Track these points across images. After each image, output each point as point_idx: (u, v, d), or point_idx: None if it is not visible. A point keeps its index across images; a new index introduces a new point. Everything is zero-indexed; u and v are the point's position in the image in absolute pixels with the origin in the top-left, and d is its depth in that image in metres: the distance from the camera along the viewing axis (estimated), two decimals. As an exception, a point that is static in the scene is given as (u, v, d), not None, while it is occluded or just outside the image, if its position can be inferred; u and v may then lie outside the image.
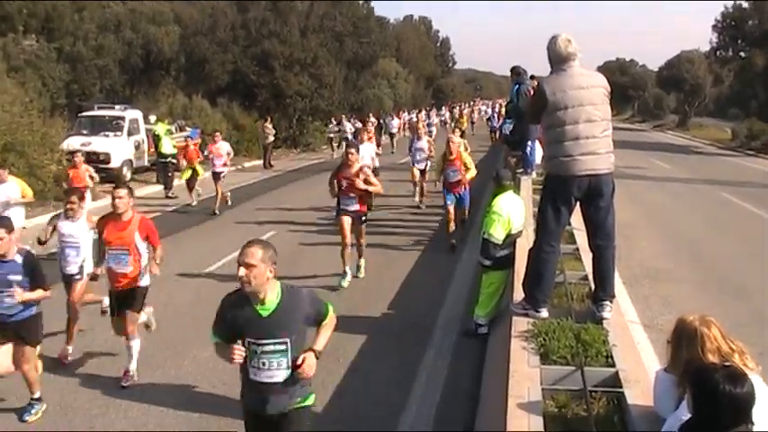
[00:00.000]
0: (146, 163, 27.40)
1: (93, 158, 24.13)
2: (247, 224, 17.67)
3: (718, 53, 58.63)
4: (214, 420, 7.31)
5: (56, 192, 20.43)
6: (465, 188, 14.92)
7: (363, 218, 12.28)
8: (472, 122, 60.26)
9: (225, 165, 20.20)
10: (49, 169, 20.21)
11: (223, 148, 20.42)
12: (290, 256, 13.32)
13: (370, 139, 21.63)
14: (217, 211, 19.49)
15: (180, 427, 7.23)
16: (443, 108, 71.48)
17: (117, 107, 27.99)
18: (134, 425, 7.33)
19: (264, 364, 4.74)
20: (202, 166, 21.66)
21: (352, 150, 12.19)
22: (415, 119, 44.89)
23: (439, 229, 16.88)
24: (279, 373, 4.76)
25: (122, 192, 8.09)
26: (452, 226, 14.88)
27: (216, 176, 19.87)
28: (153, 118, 28.17)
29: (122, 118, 26.57)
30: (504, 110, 38.85)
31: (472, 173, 14.76)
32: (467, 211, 15.89)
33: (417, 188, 20.57)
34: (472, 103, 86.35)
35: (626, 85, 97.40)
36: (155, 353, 9.05)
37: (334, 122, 40.44)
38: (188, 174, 21.44)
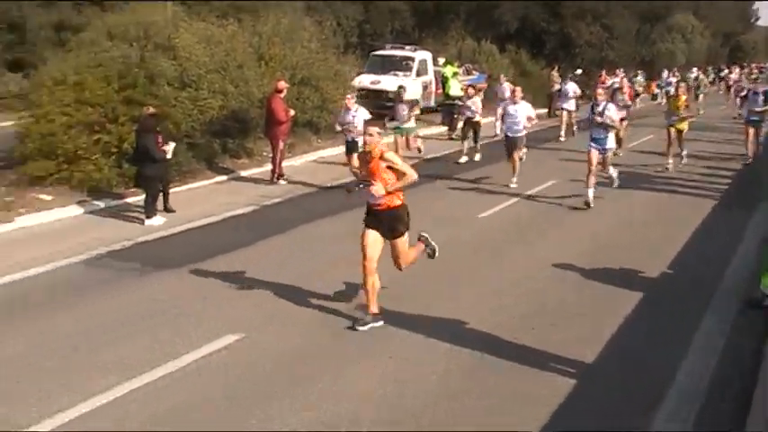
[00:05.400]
0: (432, 104, 27.95)
1: (383, 96, 25.15)
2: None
3: None
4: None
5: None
6: None
7: None
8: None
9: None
10: (340, 104, 21.24)
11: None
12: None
13: None
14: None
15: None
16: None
17: (407, 47, 28.74)
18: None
19: None
20: None
21: None
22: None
23: (728, 190, 16.08)
24: None
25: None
26: None
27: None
28: (441, 60, 28.67)
29: (412, 58, 27.32)
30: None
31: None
32: None
33: None
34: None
35: None
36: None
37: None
38: None
